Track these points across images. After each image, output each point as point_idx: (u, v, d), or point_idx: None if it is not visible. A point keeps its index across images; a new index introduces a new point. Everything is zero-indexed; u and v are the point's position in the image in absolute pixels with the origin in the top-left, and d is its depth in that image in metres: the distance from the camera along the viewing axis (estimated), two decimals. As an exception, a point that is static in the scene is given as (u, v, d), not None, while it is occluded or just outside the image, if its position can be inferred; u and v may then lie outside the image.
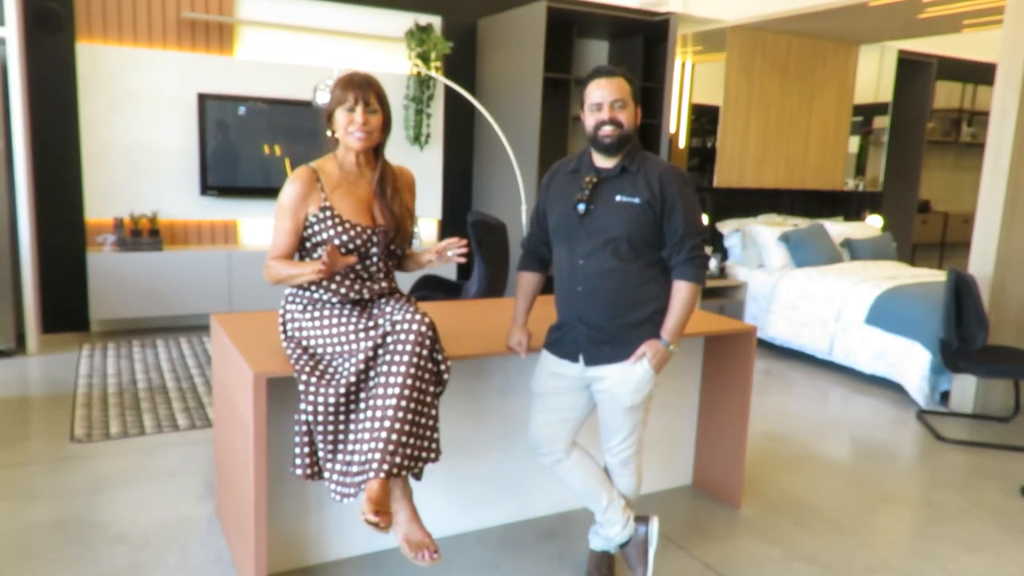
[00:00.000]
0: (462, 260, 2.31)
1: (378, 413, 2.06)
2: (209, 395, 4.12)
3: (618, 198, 2.25)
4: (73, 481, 3.09)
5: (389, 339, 2.10)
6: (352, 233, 2.24)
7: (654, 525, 2.48)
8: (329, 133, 2.28)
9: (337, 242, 2.22)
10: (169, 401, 4.03)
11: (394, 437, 2.03)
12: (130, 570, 2.47)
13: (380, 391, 2.08)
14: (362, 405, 2.11)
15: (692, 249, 2.25)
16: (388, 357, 2.09)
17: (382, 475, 2.01)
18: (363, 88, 2.22)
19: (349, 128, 2.23)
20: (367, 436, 2.06)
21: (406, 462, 2.05)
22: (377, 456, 2.02)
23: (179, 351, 4.94)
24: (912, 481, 3.58)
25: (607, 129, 2.23)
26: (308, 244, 2.28)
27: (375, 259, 2.30)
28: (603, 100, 2.23)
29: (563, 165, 2.42)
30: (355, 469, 2.07)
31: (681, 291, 2.27)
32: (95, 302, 5.10)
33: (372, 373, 2.11)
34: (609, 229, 2.25)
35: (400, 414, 2.05)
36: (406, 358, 2.07)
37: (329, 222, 2.23)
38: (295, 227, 2.25)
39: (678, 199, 2.24)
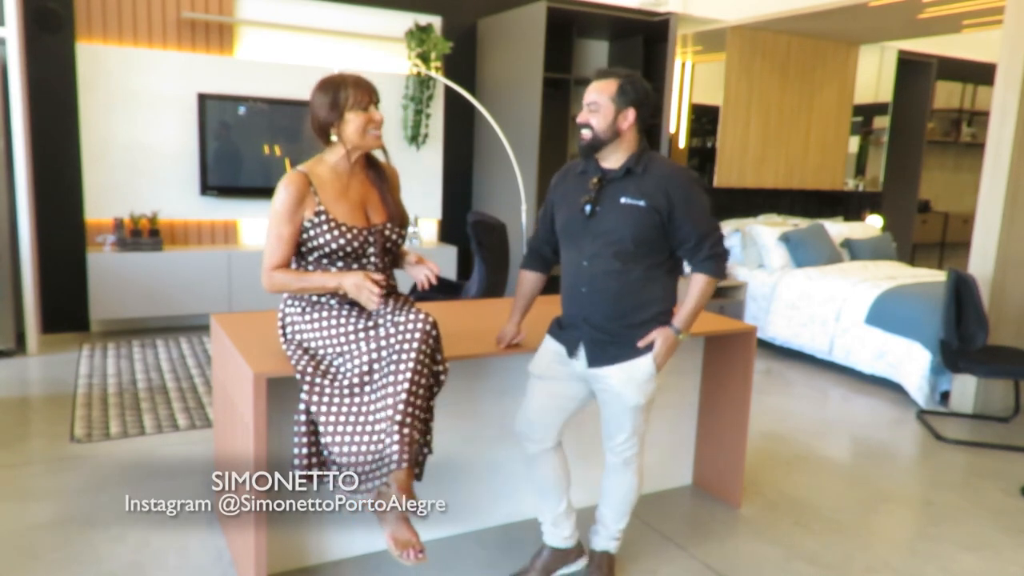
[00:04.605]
0: (424, 284, 2.31)
1: (389, 412, 2.07)
2: (209, 395, 4.12)
3: (623, 200, 2.25)
4: (73, 481, 3.09)
5: (393, 340, 2.10)
6: (349, 236, 2.23)
7: (579, 564, 2.52)
8: (334, 138, 2.23)
9: (335, 246, 2.21)
10: (169, 401, 4.03)
11: (406, 432, 2.05)
12: (130, 570, 2.48)
13: (390, 389, 2.08)
14: (368, 397, 2.12)
15: (712, 247, 2.27)
16: (395, 357, 2.09)
17: (404, 464, 2.04)
18: (370, 88, 2.24)
19: (369, 128, 2.22)
20: (383, 436, 2.07)
21: (416, 455, 2.10)
22: (395, 448, 2.04)
23: (179, 351, 4.94)
24: (912, 481, 3.58)
25: (581, 131, 2.28)
26: (303, 249, 2.25)
27: (372, 259, 2.30)
28: (584, 102, 2.27)
29: (573, 166, 2.43)
30: (369, 469, 2.07)
31: (698, 283, 2.30)
32: (95, 302, 5.10)
33: (377, 376, 2.12)
34: (614, 231, 2.25)
35: (411, 409, 2.07)
36: (413, 355, 2.08)
37: (325, 227, 2.21)
38: (293, 233, 2.21)
39: (687, 201, 2.24)
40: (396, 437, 2.04)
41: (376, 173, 2.34)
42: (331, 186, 2.25)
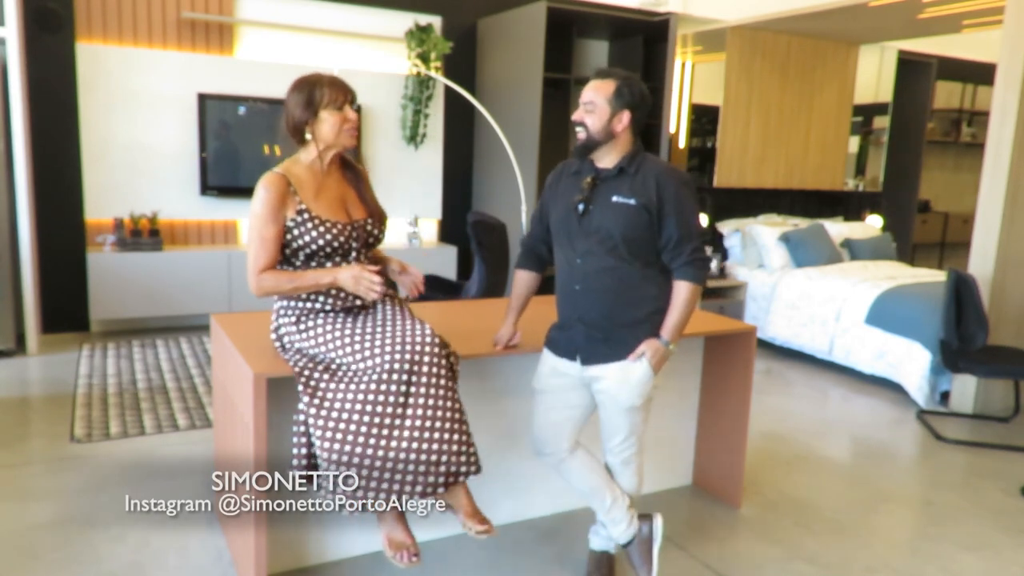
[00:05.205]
0: (413, 294, 2.37)
1: (426, 434, 2.09)
2: (209, 395, 4.12)
3: (614, 199, 2.26)
4: (73, 481, 3.09)
5: (407, 355, 2.11)
6: (334, 232, 2.23)
7: (658, 522, 2.48)
8: (308, 136, 2.24)
9: (321, 242, 2.21)
10: (169, 401, 4.03)
11: (456, 446, 2.12)
12: (130, 570, 2.48)
13: (428, 412, 2.11)
14: (379, 407, 2.09)
15: (693, 252, 2.26)
16: (416, 368, 2.11)
17: (471, 476, 2.15)
18: (345, 87, 2.25)
19: (344, 127, 2.23)
20: (425, 447, 2.08)
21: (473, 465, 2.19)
22: (462, 463, 2.13)
23: (179, 351, 4.94)
24: (912, 481, 3.58)
25: (576, 130, 2.29)
26: (287, 250, 2.24)
27: (356, 254, 2.29)
28: (580, 100, 2.29)
29: (567, 166, 2.43)
30: (396, 487, 2.08)
31: (682, 291, 2.28)
32: (95, 302, 5.10)
33: (391, 385, 2.10)
34: (604, 229, 2.26)
35: (461, 426, 2.15)
36: (432, 378, 2.12)
37: (308, 224, 2.20)
38: (276, 234, 2.20)
39: (674, 202, 2.24)
40: (446, 447, 2.10)
41: (351, 172, 2.36)
42: (309, 185, 2.25)
